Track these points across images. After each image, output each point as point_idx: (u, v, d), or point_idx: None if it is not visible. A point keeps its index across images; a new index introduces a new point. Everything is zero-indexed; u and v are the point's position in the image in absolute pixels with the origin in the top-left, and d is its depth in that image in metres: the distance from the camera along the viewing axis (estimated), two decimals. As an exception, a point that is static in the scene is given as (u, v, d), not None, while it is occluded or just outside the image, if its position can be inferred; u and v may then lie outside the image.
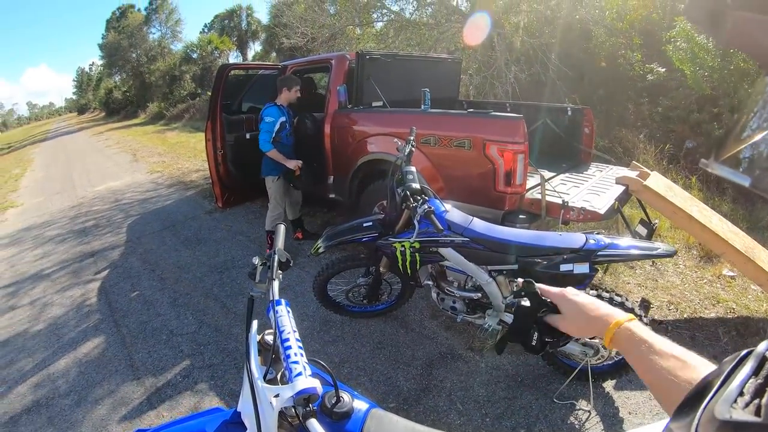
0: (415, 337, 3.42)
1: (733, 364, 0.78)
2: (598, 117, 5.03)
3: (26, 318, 4.17)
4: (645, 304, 3.64)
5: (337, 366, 3.14)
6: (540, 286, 1.09)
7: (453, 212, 2.77)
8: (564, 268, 2.43)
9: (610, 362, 2.72)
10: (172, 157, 11.98)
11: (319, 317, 3.72)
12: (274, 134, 4.31)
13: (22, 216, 8.21)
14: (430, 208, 2.49)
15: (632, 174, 3.84)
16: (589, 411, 2.68)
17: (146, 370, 3.21)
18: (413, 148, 3.07)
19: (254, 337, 1.22)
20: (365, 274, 3.33)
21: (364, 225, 3.00)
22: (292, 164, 4.41)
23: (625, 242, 2.49)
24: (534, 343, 1.04)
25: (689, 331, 3.28)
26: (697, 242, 4.39)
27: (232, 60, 30.38)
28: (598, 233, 2.57)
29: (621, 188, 3.63)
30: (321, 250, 3.07)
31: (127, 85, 38.38)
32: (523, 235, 2.59)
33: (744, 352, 0.77)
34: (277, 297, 1.26)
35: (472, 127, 3.60)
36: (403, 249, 2.79)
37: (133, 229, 6.32)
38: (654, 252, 2.47)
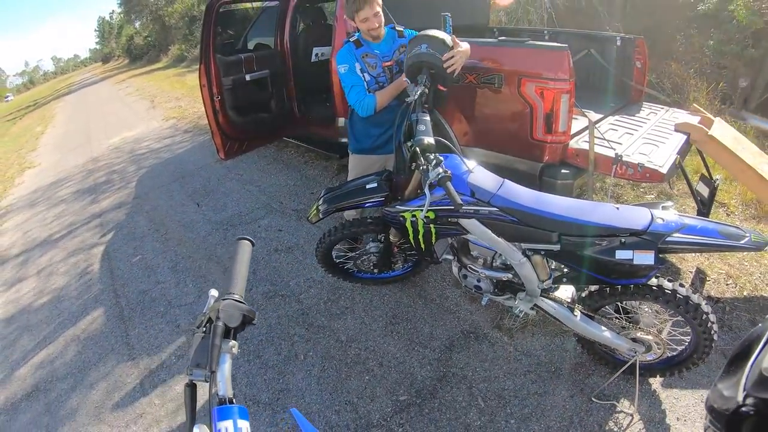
0: (435, 311, 3.04)
1: None
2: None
3: (31, 291, 4.18)
4: (701, 277, 3.09)
5: (344, 345, 2.85)
6: None
7: (478, 173, 2.18)
8: (621, 255, 1.87)
9: (662, 360, 2.25)
10: (189, 101, 11.75)
11: (328, 284, 3.39)
12: (364, 83, 2.73)
13: (38, 177, 8.27)
14: (446, 172, 1.88)
15: (693, 120, 3.19)
16: (631, 415, 2.27)
17: (141, 349, 3.09)
18: (426, 88, 2.33)
19: None
20: (375, 240, 2.86)
21: (368, 187, 2.44)
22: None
23: (702, 224, 1.90)
24: None
25: (749, 314, 2.79)
26: (754, 200, 3.82)
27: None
28: (664, 204, 1.98)
29: (682, 138, 2.99)
30: (319, 217, 2.57)
31: (148, 30, 38.37)
32: (570, 208, 2.01)
33: None
34: (225, 396, 0.90)
35: (504, 59, 2.93)
36: (414, 220, 2.24)
37: (143, 184, 6.23)
38: (740, 243, 1.85)
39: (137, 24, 40.35)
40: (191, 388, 0.92)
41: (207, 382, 0.89)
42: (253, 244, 1.20)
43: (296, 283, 3.44)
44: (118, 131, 10.09)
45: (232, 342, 0.96)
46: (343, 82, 2.74)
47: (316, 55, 5.14)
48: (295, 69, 4.99)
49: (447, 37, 2.44)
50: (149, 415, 2.58)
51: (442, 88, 2.59)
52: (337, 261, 3.04)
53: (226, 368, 0.92)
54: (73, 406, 2.75)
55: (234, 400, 0.90)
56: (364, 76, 2.70)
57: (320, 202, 2.57)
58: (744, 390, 0.96)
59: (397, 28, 2.83)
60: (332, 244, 2.82)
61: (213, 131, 4.80)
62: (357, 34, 2.74)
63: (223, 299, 1.00)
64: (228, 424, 0.83)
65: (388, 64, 2.75)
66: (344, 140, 4.38)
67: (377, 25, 2.61)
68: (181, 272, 3.84)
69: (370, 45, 2.70)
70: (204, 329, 0.97)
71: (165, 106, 11.71)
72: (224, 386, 0.90)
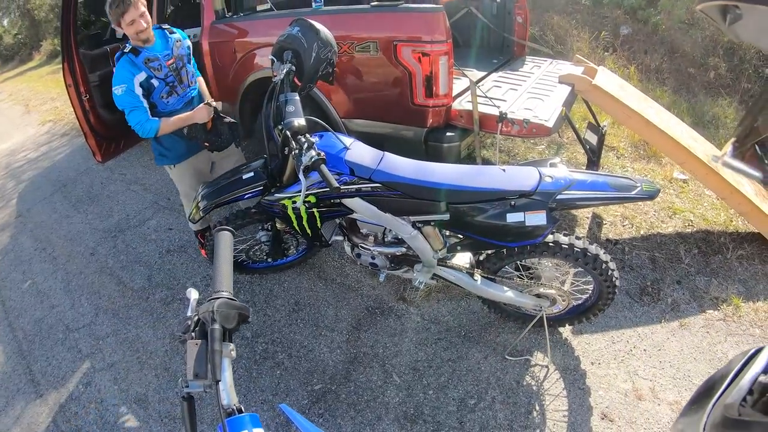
0: (337, 291, 2.98)
1: (743, 361, 0.92)
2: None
3: None
4: (597, 222, 3.21)
5: (251, 342, 2.72)
6: None
7: (356, 149, 2.09)
8: (512, 218, 1.85)
9: (568, 310, 2.28)
10: (64, 100, 10.60)
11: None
12: (145, 104, 2.56)
13: None
14: (320, 155, 1.77)
15: (577, 70, 3.24)
16: (546, 366, 2.33)
17: (47, 383, 2.84)
18: (293, 66, 2.15)
19: None
20: (263, 228, 2.71)
21: (245, 177, 2.28)
22: (201, 114, 2.63)
23: (592, 178, 1.91)
24: None
25: (648, 252, 2.94)
26: (642, 141, 4.00)
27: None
28: (552, 161, 1.98)
29: (567, 89, 3.02)
30: (199, 216, 2.40)
31: (17, 27, 34.77)
32: (454, 175, 1.96)
33: (753, 350, 0.94)
34: (231, 405, 0.85)
35: (378, 25, 2.81)
36: (295, 206, 2.11)
37: (24, 199, 5.66)
38: (631, 194, 1.88)
39: (5, 21, 36.90)
40: (189, 401, 0.85)
41: (206, 392, 0.83)
42: (233, 234, 1.10)
43: (193, 284, 3.24)
44: (-8, 144, 9.14)
45: (231, 345, 0.88)
46: (120, 105, 2.52)
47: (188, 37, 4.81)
48: None
49: (329, 35, 2.24)
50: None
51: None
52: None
53: (227, 375, 0.86)
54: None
55: (243, 409, 0.83)
56: (152, 82, 2.54)
57: (200, 199, 2.40)
58: (704, 430, 0.95)
59: (164, 27, 2.72)
60: None
61: (86, 134, 4.39)
62: (128, 43, 2.53)
63: (214, 299, 0.90)
64: None
65: (171, 62, 2.62)
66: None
67: (145, 26, 2.45)
68: (74, 291, 3.55)
69: (148, 49, 2.53)
70: (193, 335, 0.88)
71: (40, 109, 10.78)
72: (228, 395, 0.84)
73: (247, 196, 2.28)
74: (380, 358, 2.47)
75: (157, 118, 2.55)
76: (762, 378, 0.93)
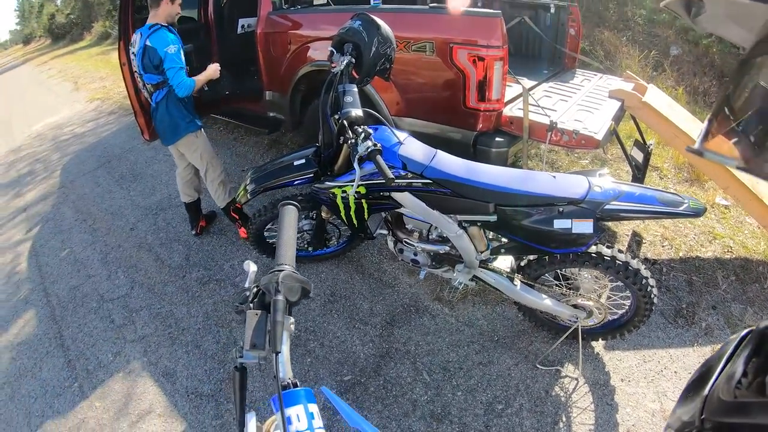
0: (373, 286, 2.98)
1: (735, 344, 0.95)
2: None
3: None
4: (637, 240, 3.17)
5: None
6: None
7: (410, 144, 2.11)
8: (559, 225, 1.84)
9: (603, 324, 2.27)
10: (113, 80, 11.01)
11: (263, 265, 3.21)
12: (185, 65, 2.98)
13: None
14: (376, 146, 1.79)
15: (627, 86, 3.21)
16: (576, 378, 2.31)
17: (77, 350, 2.89)
18: (353, 58, 2.19)
19: None
20: (307, 217, 2.74)
21: (296, 163, 2.32)
22: (215, 69, 3.10)
23: (640, 191, 1.90)
24: None
25: (686, 274, 2.88)
26: (686, 163, 3.92)
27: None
28: (600, 172, 1.97)
29: (616, 104, 3.00)
30: (247, 198, 2.45)
31: (70, 7, 35.89)
32: (505, 177, 1.97)
33: (744, 331, 0.96)
34: (286, 379, 0.81)
35: (436, 26, 2.83)
36: (344, 196, 2.14)
37: (68, 171, 5.81)
38: (679, 209, 1.86)
39: (58, 1, 38.00)
40: (241, 372, 0.83)
41: (262, 363, 0.82)
42: (298, 209, 1.10)
43: (230, 266, 3.31)
44: (40, 117, 9.42)
45: (291, 319, 0.86)
46: (171, 62, 2.85)
47: (242, 26, 4.88)
48: (220, 42, 4.73)
49: (390, 32, 2.28)
50: (92, 420, 2.42)
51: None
52: (270, 241, 2.92)
53: (285, 349, 0.84)
54: (10, 417, 2.55)
55: (298, 383, 0.81)
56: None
57: (248, 182, 2.45)
58: (702, 415, 0.95)
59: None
60: (263, 224, 2.70)
61: (136, 111, 4.49)
62: (159, 24, 2.93)
63: (278, 270, 0.88)
64: (298, 410, 0.75)
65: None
66: (273, 114, 4.26)
67: None
68: (111, 263, 3.62)
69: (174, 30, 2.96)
70: (251, 305, 0.86)
71: (89, 87, 11.02)
72: (284, 368, 0.82)
73: (297, 182, 2.32)
74: (412, 355, 2.47)
75: (192, 78, 2.92)
76: (755, 360, 0.94)
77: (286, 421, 0.74)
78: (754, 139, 1.03)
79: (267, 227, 2.79)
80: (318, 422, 0.76)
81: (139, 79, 3.05)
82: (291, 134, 4.94)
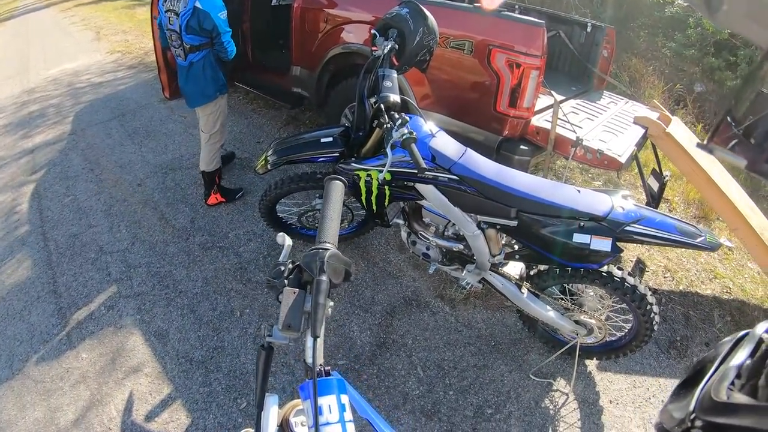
0: (378, 275, 2.98)
1: (730, 345, 0.95)
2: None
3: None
4: (641, 267, 3.17)
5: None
6: None
7: (441, 138, 2.10)
8: (578, 239, 1.85)
9: (601, 343, 2.28)
10: (136, 35, 10.92)
11: (269, 238, 3.25)
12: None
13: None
14: (412, 134, 1.78)
15: (652, 115, 3.22)
16: (567, 394, 2.33)
17: (69, 298, 2.88)
18: (396, 44, 2.17)
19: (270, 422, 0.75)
20: (321, 196, 2.70)
21: (323, 140, 2.30)
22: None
23: (661, 217, 1.90)
24: None
25: (683, 308, 2.91)
26: (696, 200, 3.95)
27: None
28: (623, 193, 1.98)
29: (640, 131, 3.01)
30: (267, 169, 2.42)
31: None
32: (532, 185, 1.97)
33: (741, 333, 0.96)
34: (318, 365, 0.75)
35: (477, 26, 2.82)
36: (368, 179, 2.13)
37: (80, 119, 5.72)
38: (695, 241, 1.86)
39: (87, -55, 37.66)
40: (268, 351, 0.78)
41: (290, 344, 0.77)
42: (345, 185, 1.02)
43: (235, 236, 3.29)
44: (58, 62, 9.30)
45: (331, 302, 0.80)
46: (224, 27, 2.97)
47: None
48: (253, 11, 4.67)
49: (435, 24, 2.26)
50: (76, 371, 2.41)
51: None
52: (281, 215, 2.91)
53: (318, 339, 0.77)
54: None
55: (329, 371, 0.76)
56: None
57: (270, 152, 2.43)
58: (693, 413, 0.95)
59: None
60: (278, 197, 2.69)
61: (160, 67, 4.45)
62: None
63: (323, 249, 0.82)
64: (330, 400, 0.71)
65: None
66: (297, 90, 4.23)
67: None
68: (114, 216, 3.59)
69: None
70: (286, 282, 0.81)
71: (111, 39, 10.86)
72: (318, 354, 0.76)
73: (320, 159, 2.31)
74: (408, 348, 2.48)
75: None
76: (749, 362, 0.94)
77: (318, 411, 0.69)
78: (761, 142, 1.04)
79: (280, 201, 2.78)
80: (349, 415, 0.72)
81: (174, 36, 3.01)
82: (310, 113, 4.92)
